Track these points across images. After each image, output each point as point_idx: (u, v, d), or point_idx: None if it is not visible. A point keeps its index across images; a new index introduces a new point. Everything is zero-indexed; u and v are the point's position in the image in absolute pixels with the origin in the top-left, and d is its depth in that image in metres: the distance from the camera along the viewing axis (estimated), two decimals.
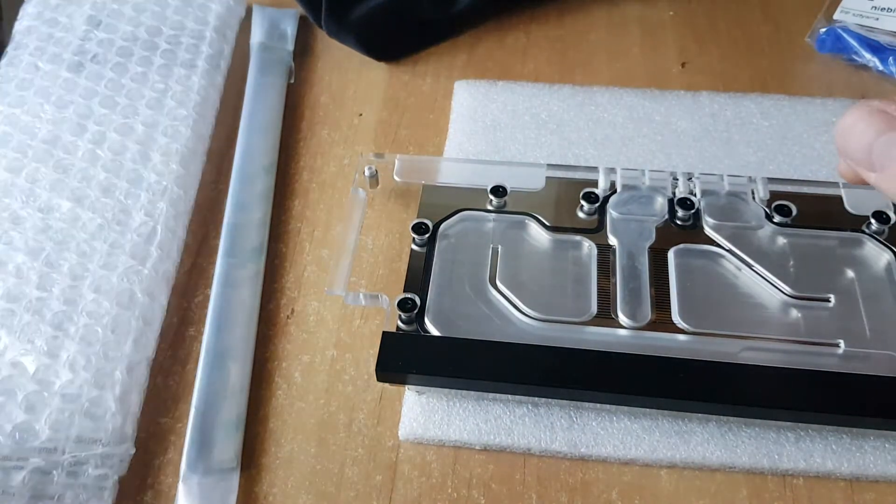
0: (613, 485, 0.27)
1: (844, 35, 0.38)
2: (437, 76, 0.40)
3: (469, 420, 0.28)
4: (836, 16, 0.39)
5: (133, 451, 0.28)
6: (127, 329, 0.29)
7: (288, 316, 0.32)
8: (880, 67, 0.38)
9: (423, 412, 0.29)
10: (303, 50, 0.41)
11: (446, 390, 0.28)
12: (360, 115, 0.38)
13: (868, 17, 0.38)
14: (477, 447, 0.28)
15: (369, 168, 0.33)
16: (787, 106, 0.37)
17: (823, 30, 0.39)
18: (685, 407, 0.27)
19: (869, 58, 0.38)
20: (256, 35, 0.40)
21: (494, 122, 0.37)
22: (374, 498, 0.27)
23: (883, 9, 0.37)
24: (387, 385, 0.30)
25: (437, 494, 0.27)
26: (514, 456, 0.28)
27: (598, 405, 0.28)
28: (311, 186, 0.36)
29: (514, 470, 0.28)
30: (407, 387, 0.29)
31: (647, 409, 0.28)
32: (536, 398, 0.28)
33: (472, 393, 0.28)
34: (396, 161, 0.33)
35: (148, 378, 0.29)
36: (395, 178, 0.33)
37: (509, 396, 0.28)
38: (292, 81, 0.39)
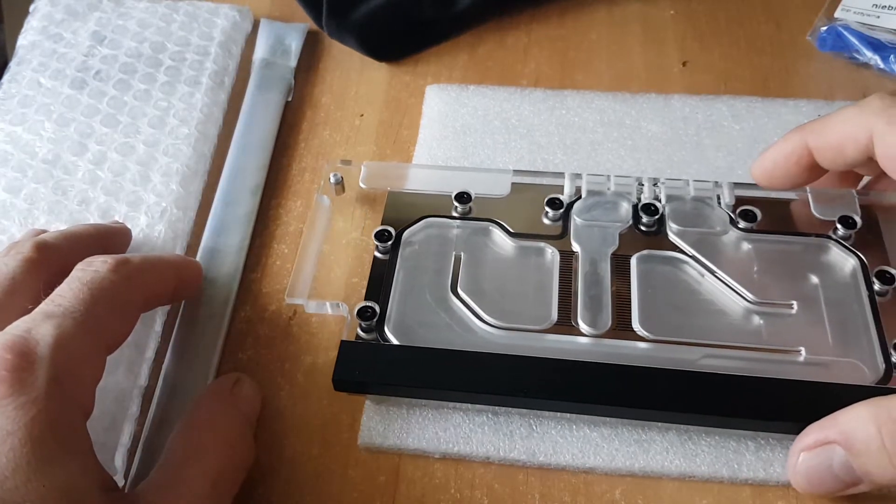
0: (616, 484, 0.27)
1: (845, 33, 0.38)
2: (438, 76, 0.40)
3: (428, 428, 0.28)
4: (837, 14, 0.39)
5: (123, 482, 0.28)
6: (118, 357, 0.29)
7: (290, 317, 0.32)
8: (881, 66, 0.38)
9: (383, 420, 0.29)
10: (305, 54, 0.41)
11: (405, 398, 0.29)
12: (362, 115, 0.38)
13: (869, 16, 0.38)
14: (436, 455, 0.28)
15: (334, 175, 0.33)
16: (759, 108, 0.36)
17: (824, 28, 0.39)
18: (643, 416, 0.27)
19: (870, 56, 0.38)
20: (259, 50, 0.40)
21: (464, 127, 0.37)
22: (378, 499, 0.27)
23: (884, 7, 0.37)
24: None
25: (440, 495, 0.27)
26: None
27: (559, 413, 0.28)
28: (312, 187, 0.36)
29: (517, 470, 0.28)
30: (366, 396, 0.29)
31: (608, 418, 0.28)
32: (496, 406, 0.28)
33: (433, 400, 0.28)
34: (363, 168, 0.33)
35: (140, 407, 0.29)
36: (361, 184, 0.33)
37: (469, 405, 0.28)
38: (290, 99, 0.39)
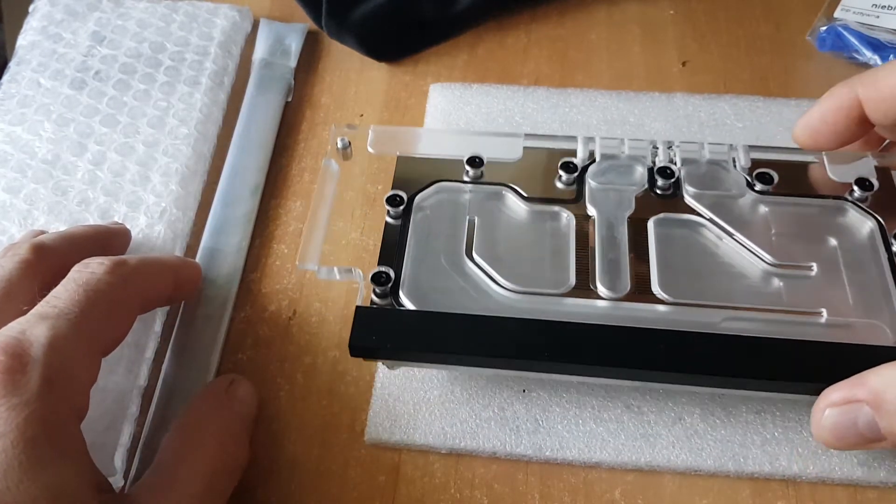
0: (616, 484, 0.27)
1: (845, 33, 0.38)
2: (437, 76, 0.40)
3: (435, 423, 0.28)
4: (836, 14, 0.39)
5: (122, 483, 0.27)
6: (118, 356, 0.29)
7: (290, 317, 0.32)
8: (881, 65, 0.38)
9: (389, 416, 0.29)
10: (304, 54, 0.41)
11: (413, 391, 0.29)
12: (362, 115, 0.38)
13: (869, 16, 0.38)
14: (442, 451, 0.28)
15: (342, 139, 0.32)
16: (762, 107, 0.36)
17: (824, 28, 0.39)
18: (665, 378, 0.27)
19: (870, 56, 0.38)
20: (259, 51, 0.40)
21: (468, 125, 0.37)
22: (378, 499, 0.27)
23: (884, 7, 0.37)
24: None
25: (440, 495, 0.27)
26: None
27: (566, 405, 0.28)
28: (312, 188, 0.36)
29: (516, 470, 0.28)
30: (375, 386, 0.29)
31: (614, 414, 0.28)
32: (515, 371, 0.28)
33: (439, 396, 0.28)
34: (370, 132, 0.32)
35: (139, 408, 0.29)
36: (370, 149, 0.32)
37: (477, 401, 0.28)
38: (289, 100, 0.39)
